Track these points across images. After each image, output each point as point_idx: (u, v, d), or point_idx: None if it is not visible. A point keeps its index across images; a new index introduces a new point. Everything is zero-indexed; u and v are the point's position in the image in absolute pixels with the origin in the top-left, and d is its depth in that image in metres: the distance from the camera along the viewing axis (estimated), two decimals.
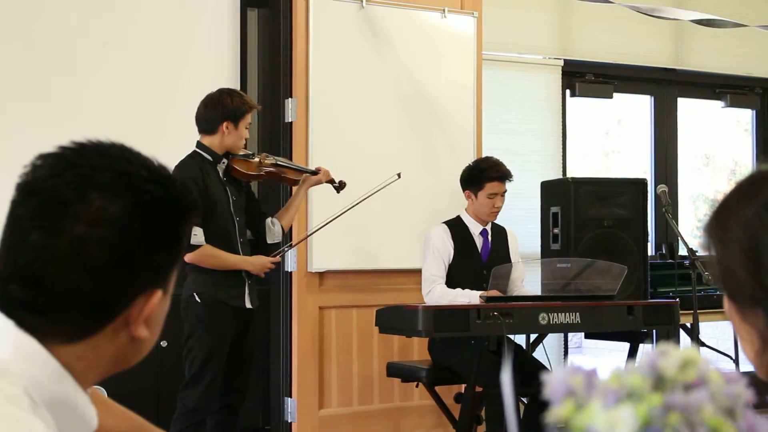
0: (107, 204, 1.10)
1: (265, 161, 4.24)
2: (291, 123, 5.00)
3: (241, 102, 4.10)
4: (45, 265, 1.09)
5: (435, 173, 5.26)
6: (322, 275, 5.03)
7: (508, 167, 4.60)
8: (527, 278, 4.88)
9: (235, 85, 4.93)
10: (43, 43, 4.63)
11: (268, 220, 4.29)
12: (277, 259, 4.23)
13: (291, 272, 4.98)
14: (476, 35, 5.44)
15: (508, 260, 4.69)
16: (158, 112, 4.84)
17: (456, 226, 4.64)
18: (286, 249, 4.41)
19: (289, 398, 4.98)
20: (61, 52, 4.66)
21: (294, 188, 4.46)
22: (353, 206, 4.41)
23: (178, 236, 1.17)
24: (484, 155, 5.13)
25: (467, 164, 4.74)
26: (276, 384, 5.07)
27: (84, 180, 1.10)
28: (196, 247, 3.91)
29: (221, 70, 4.98)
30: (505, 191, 4.61)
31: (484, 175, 4.57)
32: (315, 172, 4.41)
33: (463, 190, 4.66)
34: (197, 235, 3.89)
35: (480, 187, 4.57)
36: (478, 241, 4.65)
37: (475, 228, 4.65)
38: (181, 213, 1.17)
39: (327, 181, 4.42)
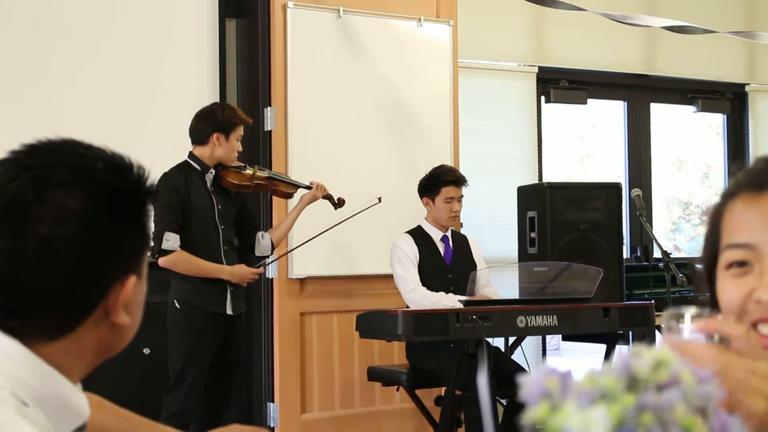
0: (66, 200, 1.10)
1: (258, 174, 4.30)
2: (270, 132, 5.04)
3: (232, 114, 4.18)
4: (16, 270, 1.09)
5: (412, 180, 5.29)
6: (302, 281, 5.07)
7: (462, 173, 4.71)
8: (505, 282, 4.94)
9: (215, 94, 4.97)
10: (24, 49, 4.65)
11: (259, 233, 4.37)
12: (260, 270, 4.28)
13: (272, 279, 5.02)
14: (452, 43, 5.49)
15: (473, 263, 4.77)
16: (138, 120, 4.86)
17: (418, 235, 4.73)
18: (268, 262, 4.49)
19: (272, 403, 5.02)
20: (41, 61, 4.68)
21: (283, 200, 4.51)
22: (335, 226, 4.49)
23: (140, 220, 1.19)
24: (461, 162, 5.19)
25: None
26: (258, 389, 5.10)
27: (40, 180, 1.11)
28: (170, 252, 3.96)
29: (201, 80, 5.01)
30: (462, 196, 4.70)
31: (439, 180, 4.68)
32: (308, 187, 4.45)
33: (421, 198, 4.75)
34: (170, 240, 3.94)
35: (436, 193, 4.68)
36: (440, 247, 4.74)
37: (435, 235, 4.74)
38: (140, 198, 1.18)
39: (324, 197, 4.47)
